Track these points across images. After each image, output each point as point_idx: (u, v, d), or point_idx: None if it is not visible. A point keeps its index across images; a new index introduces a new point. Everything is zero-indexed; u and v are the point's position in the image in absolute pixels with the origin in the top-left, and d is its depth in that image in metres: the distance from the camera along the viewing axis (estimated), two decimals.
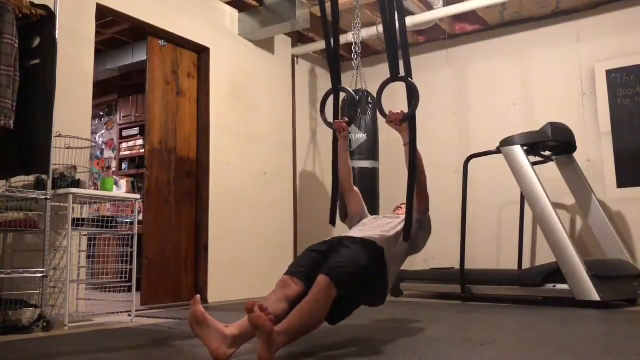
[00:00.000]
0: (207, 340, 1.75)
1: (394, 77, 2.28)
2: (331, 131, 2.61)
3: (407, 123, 2.29)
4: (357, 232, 2.43)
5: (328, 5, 2.54)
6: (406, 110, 2.31)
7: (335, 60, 2.55)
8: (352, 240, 2.27)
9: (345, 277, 2.02)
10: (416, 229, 2.47)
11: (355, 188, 2.75)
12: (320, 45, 5.43)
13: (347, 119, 2.62)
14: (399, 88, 2.41)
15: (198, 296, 1.80)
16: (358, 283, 2.09)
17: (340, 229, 2.77)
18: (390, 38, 2.29)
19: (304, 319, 1.88)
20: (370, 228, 2.46)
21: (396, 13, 2.32)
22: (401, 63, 2.29)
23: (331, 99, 2.60)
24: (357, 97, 4.45)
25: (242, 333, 1.81)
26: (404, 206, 2.66)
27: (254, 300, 1.78)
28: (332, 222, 2.52)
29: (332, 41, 2.52)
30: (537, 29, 5.05)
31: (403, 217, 2.53)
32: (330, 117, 2.65)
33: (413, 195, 2.29)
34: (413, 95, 2.26)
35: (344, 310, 2.14)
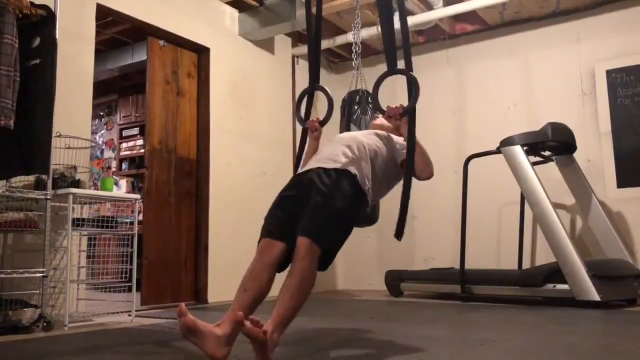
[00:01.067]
0: (202, 345, 1.76)
1: (392, 70, 2.21)
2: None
3: (406, 117, 2.21)
4: (326, 156, 2.23)
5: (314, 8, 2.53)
6: (405, 105, 2.24)
7: (315, 57, 2.54)
8: (321, 176, 2.10)
9: (323, 229, 1.96)
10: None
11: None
12: (321, 45, 5.42)
13: (320, 119, 2.59)
14: (400, 89, 2.39)
15: (183, 305, 1.77)
16: (338, 226, 2.03)
17: None
18: (387, 30, 2.24)
19: (293, 302, 1.84)
20: (340, 148, 2.24)
21: (396, 6, 2.29)
22: (401, 61, 2.26)
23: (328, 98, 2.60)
24: (357, 98, 4.44)
25: (233, 329, 1.81)
26: (381, 115, 2.43)
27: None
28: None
29: (314, 37, 2.52)
30: (537, 29, 5.05)
31: (377, 132, 2.42)
32: (306, 115, 2.63)
33: (409, 193, 2.22)
34: (413, 88, 2.19)
35: (331, 254, 2.03)
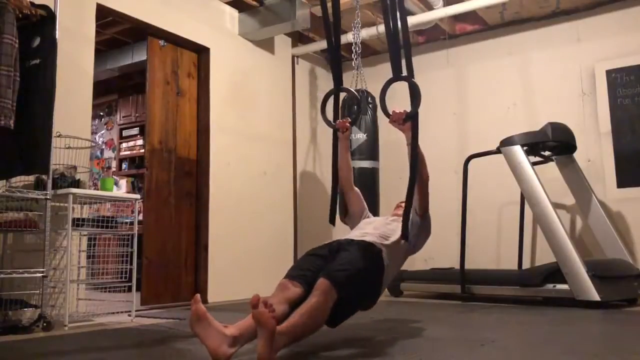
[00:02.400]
0: (207, 339, 1.74)
1: (397, 76, 2.30)
2: (331, 131, 2.61)
3: (410, 122, 2.32)
4: (356, 233, 2.45)
5: (329, 5, 2.55)
6: (409, 110, 2.33)
7: (336, 60, 2.57)
8: (351, 243, 2.29)
9: (345, 279, 2.03)
10: (416, 228, 2.48)
11: (356, 188, 2.76)
12: (320, 45, 5.43)
13: (349, 119, 2.63)
14: (399, 88, 2.41)
15: (198, 295, 1.80)
16: (357, 285, 2.10)
17: (341, 229, 2.78)
18: (393, 38, 2.30)
19: (305, 320, 1.88)
20: (370, 229, 2.47)
21: (398, 13, 2.33)
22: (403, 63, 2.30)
23: (332, 98, 2.61)
24: (359, 97, 4.45)
25: (242, 334, 1.81)
26: (403, 204, 2.66)
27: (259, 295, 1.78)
28: (332, 221, 2.54)
29: (333, 41, 2.53)
30: (537, 29, 5.05)
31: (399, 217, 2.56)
32: (330, 116, 2.65)
33: (412, 194, 2.30)
34: (415, 95, 2.27)
35: (343, 313, 2.14)
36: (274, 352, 1.71)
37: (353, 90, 2.68)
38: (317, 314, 1.93)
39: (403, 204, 2.70)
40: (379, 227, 2.49)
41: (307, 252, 2.34)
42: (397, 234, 2.45)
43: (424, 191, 2.49)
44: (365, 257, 2.20)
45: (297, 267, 2.20)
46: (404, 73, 2.33)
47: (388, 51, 2.33)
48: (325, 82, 5.86)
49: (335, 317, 2.08)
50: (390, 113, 2.37)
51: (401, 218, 2.56)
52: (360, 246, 2.26)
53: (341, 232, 2.68)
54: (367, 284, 2.21)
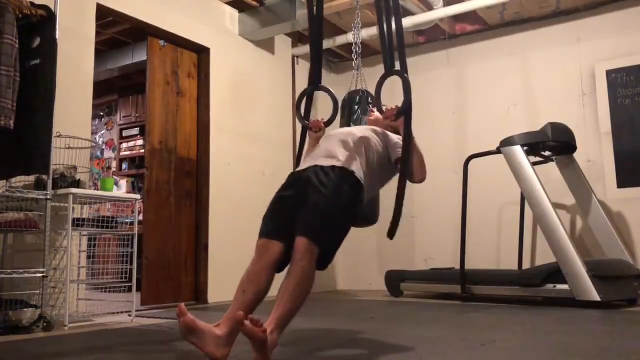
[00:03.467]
0: (202, 345, 1.76)
1: (389, 71, 2.26)
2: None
3: (402, 118, 2.23)
4: (322, 153, 2.23)
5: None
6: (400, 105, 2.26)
7: (317, 56, 2.55)
8: (319, 175, 2.09)
9: (321, 228, 1.96)
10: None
11: None
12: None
13: (325, 119, 2.59)
14: (397, 86, 2.40)
15: (182, 305, 1.77)
16: (336, 225, 2.03)
17: None
18: (385, 34, 2.28)
19: (292, 302, 1.85)
20: (336, 144, 2.25)
21: (392, 9, 2.31)
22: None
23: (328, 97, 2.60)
24: (357, 98, 4.44)
25: (232, 329, 1.81)
26: (375, 109, 2.49)
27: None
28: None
29: (317, 38, 2.53)
30: (537, 29, 5.05)
31: (371, 127, 2.42)
32: (306, 114, 2.62)
33: (404, 192, 2.20)
34: (405, 89, 2.22)
35: (330, 253, 2.04)
36: (269, 355, 1.72)
37: (331, 90, 2.66)
38: (304, 281, 1.88)
39: (374, 108, 2.56)
40: (347, 140, 2.26)
41: (275, 196, 2.19)
42: (371, 144, 2.28)
43: (421, 167, 2.32)
44: (338, 192, 2.04)
45: (270, 220, 2.10)
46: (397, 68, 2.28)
47: (380, 47, 2.30)
48: (325, 82, 5.81)
49: (323, 259, 1.99)
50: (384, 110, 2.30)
51: (373, 127, 2.44)
52: (330, 178, 2.07)
53: None
54: (346, 218, 2.08)
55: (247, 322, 1.65)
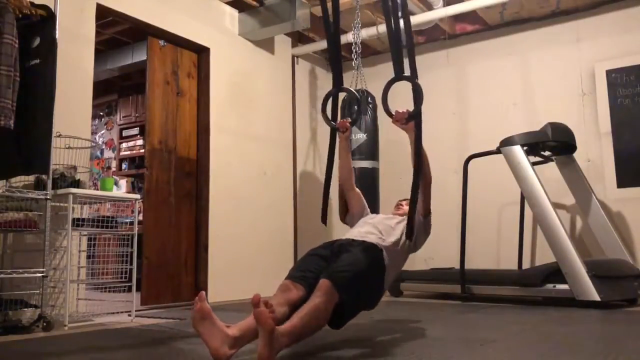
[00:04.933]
0: (209, 338, 1.74)
1: (399, 76, 2.30)
2: (326, 130, 2.61)
3: (412, 122, 2.33)
4: (356, 233, 2.44)
5: (329, 4, 2.55)
6: (411, 110, 2.34)
7: (337, 59, 2.57)
8: (352, 244, 2.29)
9: (347, 281, 2.03)
10: (418, 228, 2.48)
11: (357, 189, 2.75)
12: (320, 45, 5.43)
13: (350, 119, 2.63)
14: (400, 89, 2.41)
15: (203, 293, 1.79)
16: (359, 286, 2.10)
17: (339, 228, 2.77)
18: (395, 38, 2.30)
19: (306, 321, 1.88)
20: (370, 228, 2.46)
21: (400, 13, 2.34)
22: (406, 63, 2.31)
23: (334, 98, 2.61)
24: (359, 98, 4.45)
25: (243, 334, 1.81)
26: (404, 203, 2.68)
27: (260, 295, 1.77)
28: (324, 220, 2.54)
29: (333, 40, 2.54)
30: (537, 29, 5.05)
31: (403, 217, 2.56)
32: (332, 116, 2.65)
33: (417, 192, 2.30)
34: (417, 95, 2.28)
35: (345, 314, 2.14)
36: (274, 352, 1.70)
37: (354, 91, 2.69)
38: (318, 314, 1.93)
39: (403, 203, 2.72)
40: (379, 226, 2.48)
41: (308, 251, 2.34)
42: (397, 232, 2.46)
43: (426, 192, 2.50)
44: (367, 258, 2.20)
45: (299, 267, 2.20)
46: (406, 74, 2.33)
47: (390, 51, 2.34)
48: (325, 82, 5.85)
49: (337, 318, 2.08)
50: (393, 113, 2.38)
51: (402, 216, 2.57)
52: (362, 247, 2.26)
53: (340, 230, 2.68)
54: (368, 285, 2.21)
55: (261, 304, 1.66)
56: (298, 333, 1.85)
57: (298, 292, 2.05)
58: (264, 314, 1.65)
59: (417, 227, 2.47)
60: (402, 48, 2.33)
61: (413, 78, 2.29)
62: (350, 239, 2.37)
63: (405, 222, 2.51)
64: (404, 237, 2.45)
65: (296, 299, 2.03)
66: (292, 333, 1.82)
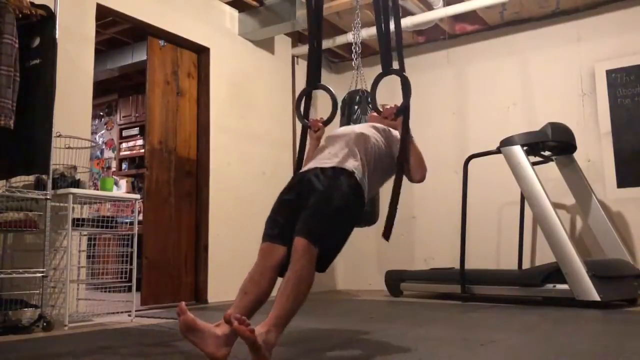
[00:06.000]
0: (202, 345, 1.75)
1: (386, 70, 2.26)
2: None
3: (401, 117, 2.25)
4: (324, 156, 2.24)
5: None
6: (399, 105, 2.28)
7: (316, 57, 2.55)
8: (319, 177, 2.10)
9: (321, 230, 1.95)
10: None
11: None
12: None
13: (323, 119, 2.59)
14: (397, 85, 2.40)
15: (183, 303, 1.77)
16: (336, 227, 2.02)
17: None
18: (382, 33, 2.28)
19: (290, 302, 1.83)
20: (337, 148, 2.24)
21: (389, 8, 2.32)
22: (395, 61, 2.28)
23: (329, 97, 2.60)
24: (357, 98, 4.44)
25: (232, 329, 1.81)
26: (387, 105, 2.44)
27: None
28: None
29: (315, 40, 2.53)
30: (537, 29, 5.05)
31: (374, 124, 2.42)
32: (305, 114, 2.61)
33: (399, 190, 2.21)
34: (405, 88, 2.24)
35: (330, 255, 2.03)
36: (266, 355, 1.70)
37: (330, 89, 2.65)
38: (300, 286, 1.86)
39: (374, 113, 2.52)
40: (348, 141, 2.26)
41: (279, 195, 2.20)
42: (371, 141, 2.28)
43: (420, 165, 2.32)
44: (338, 191, 2.04)
45: (272, 222, 2.10)
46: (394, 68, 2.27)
47: (378, 46, 2.30)
48: (325, 82, 5.82)
49: (323, 261, 1.99)
50: (382, 110, 2.32)
51: (374, 123, 2.43)
52: (330, 178, 2.08)
53: None
54: (346, 218, 2.08)
55: (233, 320, 1.63)
56: (287, 317, 1.82)
57: (279, 253, 2.00)
58: (241, 330, 1.63)
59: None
60: (390, 42, 2.28)
61: (401, 71, 2.23)
62: (318, 168, 2.15)
63: (378, 129, 2.36)
64: (377, 147, 2.26)
65: (279, 260, 1.99)
66: (280, 322, 1.80)
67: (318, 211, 2.00)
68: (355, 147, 2.21)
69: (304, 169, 2.25)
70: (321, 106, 4.84)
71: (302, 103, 2.61)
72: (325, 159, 2.19)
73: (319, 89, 2.59)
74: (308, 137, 2.58)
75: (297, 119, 2.61)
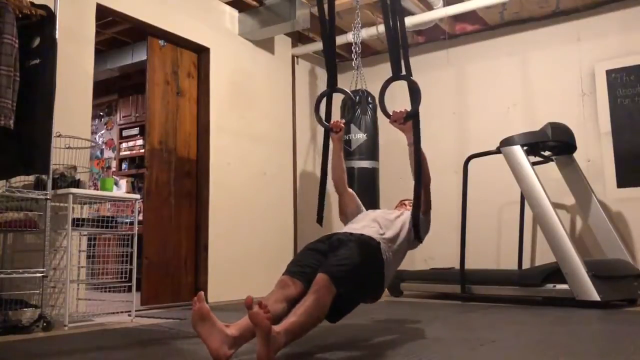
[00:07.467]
0: (209, 339, 1.74)
1: (396, 76, 2.28)
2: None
3: (410, 122, 2.31)
4: (355, 227, 2.42)
5: (326, 5, 2.55)
6: (409, 109, 2.32)
7: (331, 60, 2.56)
8: (350, 237, 2.27)
9: (344, 274, 2.02)
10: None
11: (350, 189, 2.73)
12: (320, 45, 5.40)
13: (344, 120, 2.62)
14: (399, 89, 2.41)
15: (202, 293, 1.79)
16: (357, 280, 2.09)
17: (337, 227, 2.77)
18: (392, 37, 2.29)
19: (304, 317, 1.87)
20: (369, 222, 2.44)
21: (397, 11, 2.32)
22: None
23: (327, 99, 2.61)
24: (357, 98, 4.45)
25: (242, 334, 1.81)
26: (407, 202, 2.68)
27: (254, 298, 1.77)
28: (319, 221, 2.52)
29: (328, 40, 2.54)
30: (537, 29, 5.05)
31: (402, 212, 2.56)
32: (326, 117, 2.63)
33: (420, 192, 2.29)
34: (415, 94, 2.27)
35: (343, 308, 2.13)
36: (272, 352, 1.70)
37: (348, 91, 2.67)
38: (316, 310, 1.92)
39: (406, 202, 2.72)
40: (378, 219, 2.46)
41: (306, 245, 2.33)
42: (397, 226, 2.43)
43: (426, 191, 2.49)
44: (364, 251, 2.18)
45: (297, 262, 2.19)
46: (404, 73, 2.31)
47: (388, 51, 2.32)
48: (325, 82, 5.84)
49: (335, 312, 2.06)
50: (390, 113, 2.36)
51: (402, 211, 2.58)
52: (359, 240, 2.24)
53: (339, 228, 2.67)
54: (366, 278, 2.19)
55: (255, 305, 1.65)
56: (296, 330, 1.85)
57: (296, 288, 2.05)
58: (259, 316, 1.65)
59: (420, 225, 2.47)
60: (400, 47, 2.31)
61: (410, 77, 2.26)
62: (348, 232, 2.34)
63: (404, 216, 2.51)
64: (403, 232, 2.43)
65: (294, 295, 2.03)
66: (290, 331, 1.82)
67: (345, 258, 2.10)
68: (384, 229, 2.39)
69: (337, 232, 2.40)
70: (321, 106, 4.84)
71: (322, 106, 2.62)
72: (356, 230, 2.35)
73: (337, 92, 2.60)
74: (330, 139, 2.61)
75: (317, 122, 2.63)
